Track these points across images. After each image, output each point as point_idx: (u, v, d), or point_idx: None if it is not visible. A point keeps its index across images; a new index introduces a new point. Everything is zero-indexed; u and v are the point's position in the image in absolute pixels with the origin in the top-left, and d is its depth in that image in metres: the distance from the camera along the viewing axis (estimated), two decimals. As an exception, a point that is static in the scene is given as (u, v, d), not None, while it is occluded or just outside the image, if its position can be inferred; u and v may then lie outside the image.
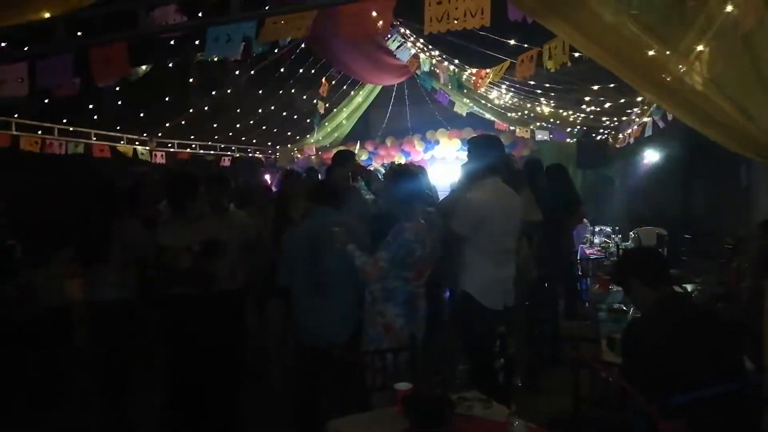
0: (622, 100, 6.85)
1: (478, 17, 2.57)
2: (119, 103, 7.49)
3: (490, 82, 5.12)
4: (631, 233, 8.40)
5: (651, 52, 2.36)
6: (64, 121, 7.14)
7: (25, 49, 3.57)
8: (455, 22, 2.61)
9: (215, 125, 9.10)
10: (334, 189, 3.65)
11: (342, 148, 7.89)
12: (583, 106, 7.67)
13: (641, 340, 2.65)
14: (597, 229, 8.64)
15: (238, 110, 8.82)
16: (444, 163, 10.64)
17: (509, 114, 9.03)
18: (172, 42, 4.34)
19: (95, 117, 7.30)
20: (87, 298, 3.91)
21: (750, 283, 4.22)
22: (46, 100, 5.79)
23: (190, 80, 8.27)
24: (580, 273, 6.40)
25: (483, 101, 8.75)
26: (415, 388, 2.53)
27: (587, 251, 7.67)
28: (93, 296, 3.82)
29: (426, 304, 3.40)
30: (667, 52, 2.37)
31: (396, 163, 7.80)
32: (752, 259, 4.30)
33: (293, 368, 3.98)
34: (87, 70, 3.48)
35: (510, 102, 8.47)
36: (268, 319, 4.58)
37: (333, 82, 9.17)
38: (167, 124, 8.37)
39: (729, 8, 2.32)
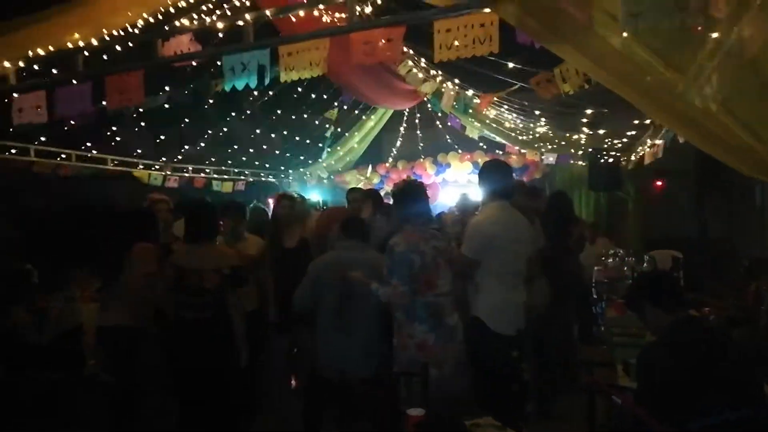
0: (636, 122, 6.84)
1: (486, 44, 2.61)
2: (136, 129, 7.63)
3: (492, 103, 5.15)
4: (645, 256, 8.29)
5: (659, 76, 2.37)
6: (83, 147, 7.28)
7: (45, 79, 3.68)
8: (464, 49, 2.66)
9: (229, 150, 9.23)
10: (362, 223, 3.69)
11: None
12: (585, 129, 7.67)
13: (656, 365, 2.61)
14: (611, 251, 8.54)
15: (252, 136, 8.94)
16: (455, 186, 10.66)
17: (515, 135, 9.04)
18: (188, 70, 4.45)
19: (112, 143, 7.44)
20: (100, 323, 3.93)
21: (768, 306, 4.14)
22: (66, 128, 5.92)
23: (205, 107, 8.41)
24: (595, 296, 6.32)
25: (494, 125, 8.78)
26: (428, 413, 2.50)
27: (602, 274, 7.58)
28: (106, 321, 3.84)
29: (457, 315, 3.37)
30: (675, 76, 2.38)
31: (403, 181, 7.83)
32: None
33: (299, 397, 3.97)
34: (103, 98, 3.57)
35: (516, 124, 8.50)
36: (272, 348, 4.58)
37: (345, 107, 9.28)
38: (184, 149, 8.51)
39: (736, 31, 2.33)
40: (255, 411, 4.28)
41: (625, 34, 2.31)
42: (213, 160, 9.56)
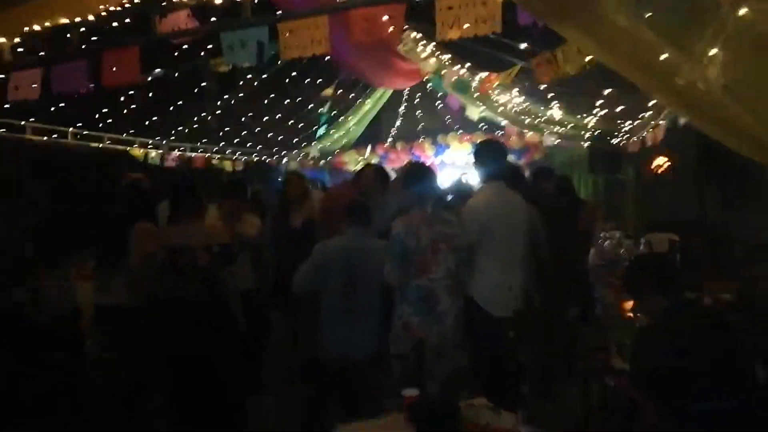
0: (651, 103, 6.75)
1: (489, 23, 2.58)
2: (132, 107, 7.55)
3: (499, 85, 5.08)
4: (642, 239, 8.30)
5: (664, 57, 2.33)
6: (79, 125, 7.22)
7: (40, 54, 3.63)
8: (466, 28, 2.62)
9: (227, 129, 9.17)
10: (367, 208, 3.66)
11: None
12: (597, 110, 7.61)
13: (651, 348, 2.62)
14: (609, 234, 8.55)
15: (251, 114, 8.86)
16: (454, 167, 10.62)
17: (522, 118, 8.98)
18: (185, 47, 4.38)
19: (109, 120, 7.37)
20: (98, 303, 3.93)
21: (764, 289, 4.15)
22: (61, 104, 5.86)
23: (202, 85, 8.32)
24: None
25: (495, 105, 8.72)
26: (421, 394, 2.52)
27: (598, 258, 7.59)
28: (104, 301, 3.85)
29: (453, 301, 3.34)
30: (681, 57, 2.34)
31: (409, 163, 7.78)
32: None
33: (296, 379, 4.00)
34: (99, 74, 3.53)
35: (522, 107, 8.42)
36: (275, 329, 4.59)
37: (340, 90, 9.21)
38: (181, 128, 8.43)
39: (743, 12, 2.29)
40: (256, 391, 4.31)
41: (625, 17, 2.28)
42: (208, 138, 9.49)
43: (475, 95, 7.45)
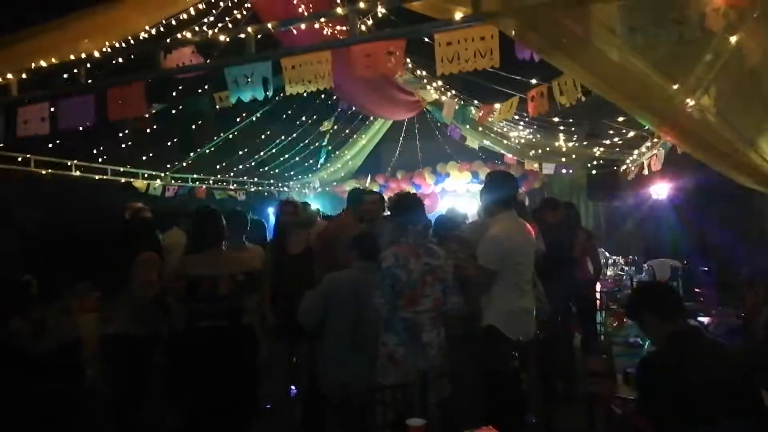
0: (631, 134, 6.87)
1: (487, 57, 2.65)
2: (133, 140, 7.64)
3: (505, 120, 5.16)
4: (644, 265, 8.31)
5: (657, 88, 2.39)
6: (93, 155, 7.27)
7: (46, 90, 3.70)
8: (466, 62, 2.69)
9: (228, 161, 9.26)
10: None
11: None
12: (597, 142, 7.71)
13: (655, 375, 2.62)
14: (610, 261, 8.57)
15: (258, 140, 8.96)
16: (455, 196, 10.69)
17: (521, 148, 9.07)
18: (189, 82, 4.47)
19: (105, 155, 7.44)
20: (103, 332, 3.93)
21: (766, 315, 4.13)
22: (64, 138, 5.93)
23: (204, 117, 8.44)
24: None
25: (498, 138, 8.83)
26: (428, 425, 2.50)
27: (600, 285, 7.59)
28: (109, 330, 3.85)
29: (438, 333, 3.37)
30: (674, 87, 2.40)
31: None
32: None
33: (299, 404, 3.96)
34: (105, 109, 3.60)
35: (528, 138, 8.52)
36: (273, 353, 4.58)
37: (336, 126, 9.35)
38: (189, 158, 8.52)
39: (734, 42, 2.36)
40: (258, 416, 4.28)
41: (617, 51, 2.35)
42: (209, 169, 9.58)
43: (477, 128, 7.57)
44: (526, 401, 3.70)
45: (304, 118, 9.21)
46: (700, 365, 2.48)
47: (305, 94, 3.33)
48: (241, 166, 9.71)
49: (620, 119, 6.71)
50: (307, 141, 9.74)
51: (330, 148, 10.24)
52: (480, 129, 8.32)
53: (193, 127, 7.98)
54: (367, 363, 3.41)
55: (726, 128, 2.27)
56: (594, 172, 9.34)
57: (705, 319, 4.71)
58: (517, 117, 6.88)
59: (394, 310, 3.30)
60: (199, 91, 5.85)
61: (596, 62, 2.42)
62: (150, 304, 3.78)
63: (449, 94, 6.46)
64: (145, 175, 8.31)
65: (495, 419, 2.95)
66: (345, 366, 3.43)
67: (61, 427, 4.43)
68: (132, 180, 8.04)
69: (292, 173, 11.05)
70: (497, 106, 5.50)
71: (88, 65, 3.75)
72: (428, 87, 6.99)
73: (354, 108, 9.32)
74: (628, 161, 8.91)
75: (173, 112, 6.08)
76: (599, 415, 3.04)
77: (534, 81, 4.66)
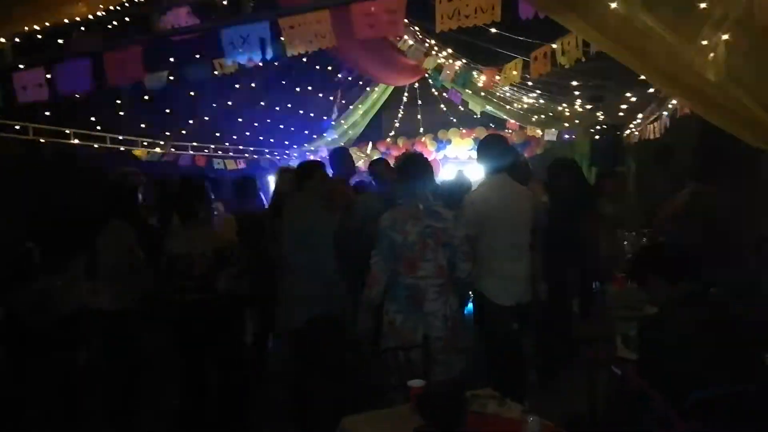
0: (633, 100, 6.77)
1: (488, 13, 2.58)
2: (133, 106, 7.56)
3: (511, 85, 5.06)
4: (645, 231, 8.29)
5: (666, 45, 2.34)
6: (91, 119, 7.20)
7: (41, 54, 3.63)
8: (466, 18, 2.62)
9: (228, 128, 9.18)
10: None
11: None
12: (588, 105, 7.61)
13: (658, 337, 2.62)
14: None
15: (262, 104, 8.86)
16: (456, 163, 10.62)
17: (531, 116, 8.97)
18: (189, 48, 4.36)
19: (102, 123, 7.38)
20: (91, 307, 3.92)
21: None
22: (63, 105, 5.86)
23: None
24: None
25: (501, 103, 8.71)
26: (428, 385, 2.53)
27: (601, 250, 7.58)
28: (92, 305, 3.85)
29: (444, 301, 3.22)
30: (683, 45, 2.34)
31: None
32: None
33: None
34: (103, 74, 3.53)
35: (531, 104, 8.41)
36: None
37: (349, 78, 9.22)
38: (189, 124, 8.44)
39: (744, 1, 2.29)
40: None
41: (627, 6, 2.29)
42: (217, 135, 9.50)
43: (480, 94, 7.45)
44: (525, 364, 3.73)
45: (309, 88, 9.10)
46: (703, 328, 2.48)
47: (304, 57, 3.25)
48: (236, 136, 9.66)
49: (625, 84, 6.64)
50: (316, 102, 9.62)
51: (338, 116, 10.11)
52: (482, 94, 8.22)
53: (192, 94, 7.87)
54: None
55: (736, 87, 2.21)
56: (597, 137, 9.24)
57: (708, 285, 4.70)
58: (520, 82, 6.78)
59: (394, 275, 3.22)
60: (197, 56, 5.74)
61: (603, 18, 2.35)
62: (127, 274, 3.74)
63: (451, 60, 6.35)
64: (145, 143, 8.24)
65: (496, 381, 2.99)
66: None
67: (58, 400, 4.47)
68: (132, 148, 7.97)
69: (304, 134, 10.97)
70: (499, 70, 5.39)
71: (83, 28, 3.68)
72: (429, 56, 6.88)
73: (351, 77, 9.20)
74: (632, 125, 8.81)
75: (171, 78, 5.97)
76: (599, 377, 3.07)
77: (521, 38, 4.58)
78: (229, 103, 8.65)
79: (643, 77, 5.89)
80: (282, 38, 3.13)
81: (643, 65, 2.47)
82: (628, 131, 9.20)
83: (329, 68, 8.60)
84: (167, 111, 7.96)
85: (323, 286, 3.46)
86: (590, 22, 2.46)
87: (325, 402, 3.45)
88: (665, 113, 6.06)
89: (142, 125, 8.03)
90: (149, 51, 3.42)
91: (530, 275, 3.66)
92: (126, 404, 3.82)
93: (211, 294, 3.53)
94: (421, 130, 11.07)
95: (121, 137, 7.80)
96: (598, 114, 8.19)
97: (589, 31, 2.55)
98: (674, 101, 5.56)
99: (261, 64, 7.26)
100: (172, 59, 5.05)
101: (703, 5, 2.34)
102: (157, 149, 8.39)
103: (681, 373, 2.41)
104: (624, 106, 7.34)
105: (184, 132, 8.79)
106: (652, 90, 6.12)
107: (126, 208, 3.92)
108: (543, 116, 8.83)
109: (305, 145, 11.41)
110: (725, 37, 2.23)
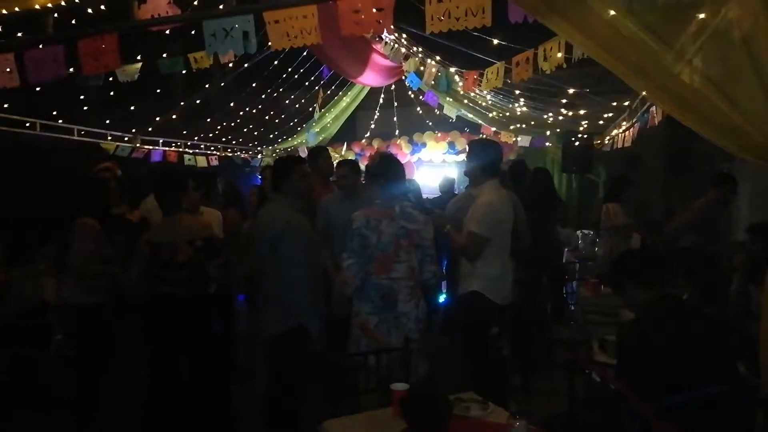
0: (614, 104, 6.90)
1: (479, 16, 2.58)
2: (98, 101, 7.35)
3: (493, 89, 5.09)
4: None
5: (649, 51, 2.37)
6: (54, 113, 6.97)
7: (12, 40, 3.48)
8: (456, 21, 2.61)
9: (200, 124, 9.01)
10: None
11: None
12: (563, 110, 7.73)
13: (635, 340, 2.65)
14: (581, 233, 8.70)
15: (231, 105, 8.71)
16: (431, 166, 10.67)
17: (489, 114, 9.06)
18: (164, 40, 4.26)
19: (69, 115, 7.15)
20: (57, 301, 3.81)
21: (737, 287, 4.26)
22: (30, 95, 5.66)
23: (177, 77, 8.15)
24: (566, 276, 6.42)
25: (468, 102, 8.76)
26: (411, 388, 2.51)
27: (572, 255, 7.71)
28: (59, 299, 3.73)
29: (416, 303, 3.26)
30: (665, 51, 2.38)
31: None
32: (740, 264, 4.34)
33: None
34: (76, 62, 3.41)
35: (490, 102, 8.50)
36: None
37: (328, 92, 9.17)
38: (157, 119, 8.24)
39: (723, 12, 2.34)
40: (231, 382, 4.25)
41: (612, 12, 2.32)
42: (185, 133, 9.32)
43: (457, 98, 7.46)
44: (506, 367, 3.74)
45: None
46: (680, 331, 2.52)
47: (281, 55, 3.19)
48: (211, 134, 9.51)
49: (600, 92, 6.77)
50: (286, 103, 9.52)
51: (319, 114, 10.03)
52: (460, 97, 8.25)
53: (158, 91, 7.70)
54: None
55: (717, 95, 2.26)
56: (570, 143, 9.39)
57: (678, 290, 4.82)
58: (504, 87, 6.83)
59: (367, 276, 3.18)
60: (175, 49, 5.59)
61: (591, 24, 2.37)
62: (93, 272, 3.64)
63: (432, 61, 6.35)
64: (110, 137, 8.00)
65: (478, 384, 2.98)
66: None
67: (28, 392, 4.34)
68: (100, 141, 7.74)
69: (271, 137, 10.83)
70: (479, 74, 5.41)
71: (56, 15, 3.54)
72: (411, 58, 6.87)
73: (323, 79, 9.13)
74: (605, 134, 8.99)
75: (141, 72, 5.81)
76: (579, 380, 3.09)
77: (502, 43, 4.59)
78: (198, 102, 8.51)
79: (621, 88, 6.12)
80: (265, 32, 3.07)
81: (629, 72, 2.50)
82: (599, 140, 9.39)
83: (301, 71, 8.51)
84: (133, 107, 7.78)
85: (295, 295, 3.29)
86: (577, 26, 2.48)
87: (295, 406, 3.39)
88: (637, 123, 6.18)
89: (108, 121, 7.84)
90: (126, 40, 3.32)
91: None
92: (93, 397, 3.70)
93: (195, 286, 3.44)
94: (397, 132, 11.08)
95: (83, 130, 7.55)
96: (579, 122, 8.33)
97: (576, 36, 2.57)
98: (648, 111, 5.66)
99: (231, 64, 7.24)
100: (147, 50, 4.95)
101: (684, 15, 2.39)
102: (127, 143, 8.16)
103: (659, 376, 2.45)
104: (603, 115, 7.47)
105: (150, 129, 8.61)
106: (627, 103, 6.25)
107: (96, 203, 3.78)
108: (524, 125, 8.93)
109: (279, 142, 11.29)
110: (704, 46, 2.28)
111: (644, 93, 3.77)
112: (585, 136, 9.56)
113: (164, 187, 3.61)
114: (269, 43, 3.18)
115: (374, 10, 2.76)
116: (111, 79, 5.53)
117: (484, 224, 3.41)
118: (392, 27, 6.30)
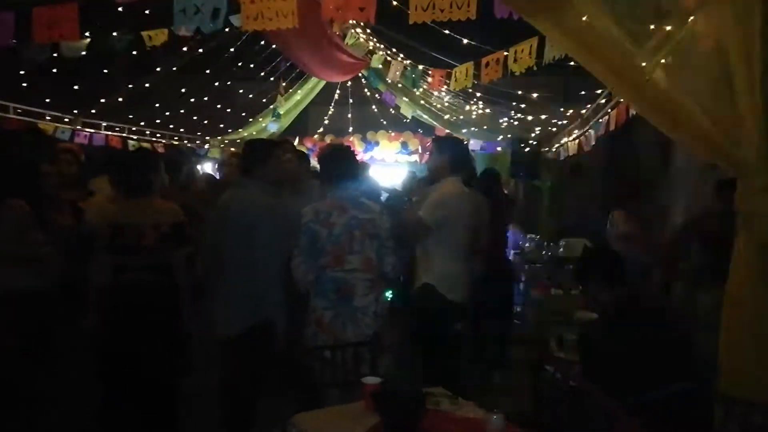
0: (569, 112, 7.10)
1: (464, 9, 2.57)
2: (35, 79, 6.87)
3: (463, 90, 5.11)
4: (561, 242, 8.75)
5: (626, 53, 2.43)
6: None
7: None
8: (441, 12, 2.60)
9: (147, 109, 8.63)
10: None
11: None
12: (519, 115, 7.90)
13: (599, 340, 2.72)
14: (528, 237, 8.93)
15: (182, 91, 8.39)
16: (383, 165, 10.67)
17: (445, 116, 9.16)
18: (119, 10, 4.01)
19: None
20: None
21: (682, 294, 4.42)
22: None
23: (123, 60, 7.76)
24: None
25: (424, 102, 8.82)
26: (384, 382, 2.46)
27: (517, 258, 7.90)
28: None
29: (375, 298, 3.20)
30: (641, 56, 2.45)
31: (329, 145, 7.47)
32: (683, 272, 4.53)
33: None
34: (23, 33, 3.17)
35: (447, 104, 8.59)
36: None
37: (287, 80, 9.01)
38: (101, 102, 7.82)
39: (690, 21, 2.43)
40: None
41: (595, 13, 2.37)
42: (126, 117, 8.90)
43: (419, 101, 7.44)
44: (466, 363, 3.77)
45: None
46: (642, 330, 2.60)
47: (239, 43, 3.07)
48: (158, 120, 9.13)
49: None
50: (240, 92, 9.26)
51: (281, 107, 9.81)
52: (417, 98, 8.28)
53: (105, 71, 7.32)
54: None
55: (692, 102, 2.34)
56: (520, 149, 9.62)
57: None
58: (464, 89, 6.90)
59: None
60: (114, 33, 5.29)
61: (574, 24, 2.41)
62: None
63: (398, 59, 6.33)
64: (48, 118, 7.51)
65: (440, 379, 2.97)
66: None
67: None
68: (38, 121, 7.26)
69: (221, 126, 10.53)
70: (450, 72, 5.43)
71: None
72: (375, 54, 6.83)
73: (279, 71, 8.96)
74: (554, 142, 9.25)
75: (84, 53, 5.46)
76: (540, 378, 3.14)
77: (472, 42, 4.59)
78: (147, 85, 8.15)
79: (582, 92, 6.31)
80: (240, 12, 2.95)
81: (608, 73, 2.56)
82: (547, 148, 9.67)
83: (263, 55, 8.30)
84: (76, 87, 7.35)
85: (264, 289, 3.15)
86: (561, 27, 2.52)
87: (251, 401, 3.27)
88: (591, 132, 6.39)
89: (48, 100, 7.37)
90: (85, 11, 3.11)
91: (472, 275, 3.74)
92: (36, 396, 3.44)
93: (161, 273, 3.25)
94: (351, 129, 11.01)
95: (21, 109, 7.06)
96: (532, 128, 8.52)
97: (560, 37, 2.61)
98: (601, 120, 5.86)
99: (186, 48, 6.95)
100: (96, 26, 4.67)
101: (662, 21, 2.47)
102: (67, 125, 7.69)
103: (622, 375, 2.51)
104: (555, 122, 7.67)
105: (93, 111, 8.16)
106: (584, 111, 6.45)
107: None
108: (477, 129, 9.05)
109: (228, 133, 11.00)
110: (672, 53, 2.36)
111: (623, 97, 3.89)
112: (534, 143, 9.87)
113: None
114: (234, 26, 3.06)
115: (358, -3, 2.70)
116: (55, 54, 5.21)
117: (432, 213, 3.41)
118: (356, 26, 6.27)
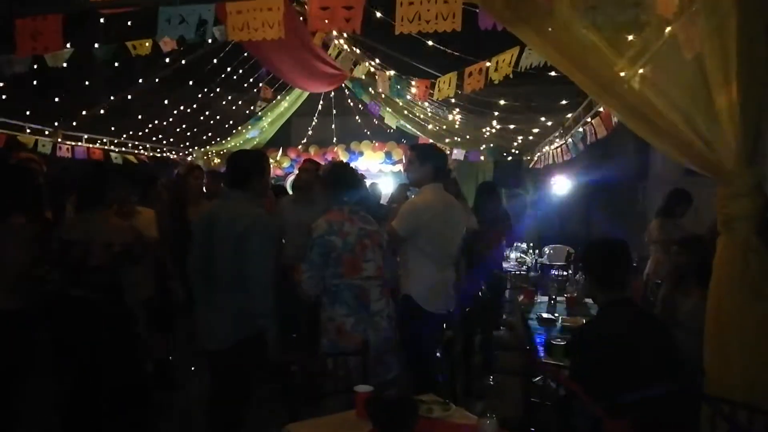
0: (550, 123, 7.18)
1: (449, 20, 2.61)
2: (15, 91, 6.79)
3: (441, 94, 5.16)
4: (546, 249, 8.86)
5: (607, 61, 2.49)
6: None
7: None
8: (426, 24, 2.63)
9: (129, 121, 8.56)
10: None
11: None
12: (498, 125, 7.99)
13: (589, 342, 2.75)
14: (513, 245, 9.01)
15: (165, 102, 8.34)
16: (367, 175, 10.67)
17: (428, 126, 9.23)
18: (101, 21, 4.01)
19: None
20: None
21: (664, 295, 4.50)
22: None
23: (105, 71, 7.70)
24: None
25: (407, 113, 8.87)
26: (376, 390, 2.47)
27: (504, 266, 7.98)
28: None
29: (387, 302, 3.28)
30: (620, 65, 2.51)
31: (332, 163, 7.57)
32: (667, 274, 4.61)
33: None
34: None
35: (430, 114, 8.65)
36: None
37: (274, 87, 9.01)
38: (82, 114, 7.74)
39: (667, 31, 2.51)
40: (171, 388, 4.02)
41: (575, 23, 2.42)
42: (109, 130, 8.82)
43: (404, 111, 7.46)
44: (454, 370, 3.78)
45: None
46: (633, 332, 2.64)
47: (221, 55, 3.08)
48: (141, 132, 9.06)
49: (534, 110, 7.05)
50: (223, 104, 9.24)
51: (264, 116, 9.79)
52: (400, 108, 8.32)
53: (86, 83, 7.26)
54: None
55: (672, 111, 2.40)
56: (503, 159, 9.74)
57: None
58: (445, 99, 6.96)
59: (339, 278, 3.14)
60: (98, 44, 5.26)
61: (557, 35, 2.47)
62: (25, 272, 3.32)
63: (386, 72, 6.36)
64: (28, 131, 7.41)
65: (427, 387, 2.98)
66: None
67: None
68: (17, 134, 7.16)
69: (204, 138, 10.48)
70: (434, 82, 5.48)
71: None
72: (360, 65, 6.86)
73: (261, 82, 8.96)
74: (536, 151, 9.36)
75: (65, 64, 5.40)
76: (531, 382, 3.18)
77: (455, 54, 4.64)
78: (129, 96, 8.09)
79: (564, 101, 6.41)
80: (224, 22, 2.96)
81: (592, 84, 2.61)
82: (530, 157, 9.79)
83: (246, 67, 8.30)
84: (57, 99, 7.27)
85: (253, 301, 3.08)
86: (544, 38, 2.57)
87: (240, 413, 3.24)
88: (570, 140, 6.49)
89: (28, 112, 7.27)
90: (69, 21, 3.09)
91: (454, 285, 3.74)
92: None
93: (109, 292, 3.20)
94: (335, 139, 11.02)
95: (1, 121, 6.97)
96: (514, 138, 8.60)
97: (543, 47, 2.67)
98: (581, 129, 5.96)
99: (168, 59, 6.92)
100: (79, 36, 4.64)
101: (630, 37, 2.55)
102: (47, 138, 7.59)
103: (612, 376, 2.54)
104: (535, 130, 7.76)
105: (74, 123, 8.08)
106: (569, 115, 6.54)
107: (29, 200, 3.45)
108: (459, 138, 9.11)
109: (212, 144, 10.95)
110: (652, 62, 2.43)
111: (607, 107, 3.96)
112: (517, 152, 10.00)
113: (86, 179, 3.35)
114: (220, 35, 3.07)
115: (343, 8, 2.73)
116: (36, 66, 5.16)
117: (403, 223, 3.42)
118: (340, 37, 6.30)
